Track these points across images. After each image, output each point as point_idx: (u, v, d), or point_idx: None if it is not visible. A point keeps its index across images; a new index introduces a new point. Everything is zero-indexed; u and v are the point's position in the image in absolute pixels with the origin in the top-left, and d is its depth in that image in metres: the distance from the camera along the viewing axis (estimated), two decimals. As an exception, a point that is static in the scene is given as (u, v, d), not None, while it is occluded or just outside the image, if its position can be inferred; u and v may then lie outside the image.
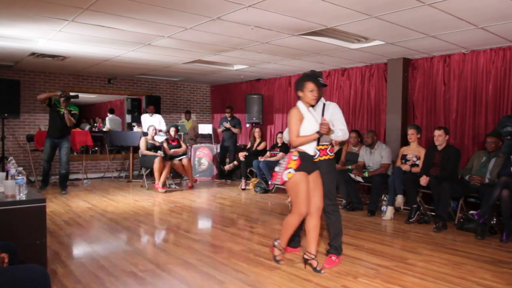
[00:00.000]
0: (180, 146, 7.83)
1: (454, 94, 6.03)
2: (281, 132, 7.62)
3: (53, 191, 7.01)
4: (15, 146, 8.16)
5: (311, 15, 4.30)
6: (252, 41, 5.57)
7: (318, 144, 3.31)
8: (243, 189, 7.57)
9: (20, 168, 3.00)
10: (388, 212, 5.25)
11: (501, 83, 5.54)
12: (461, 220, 4.72)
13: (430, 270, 3.33)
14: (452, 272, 3.29)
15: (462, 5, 3.89)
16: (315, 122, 3.18)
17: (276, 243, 3.43)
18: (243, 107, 9.30)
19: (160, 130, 8.50)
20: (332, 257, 3.42)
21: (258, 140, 8.05)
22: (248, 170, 7.90)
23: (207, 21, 4.55)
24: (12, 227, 2.68)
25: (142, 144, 7.56)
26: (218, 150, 8.94)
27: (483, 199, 4.45)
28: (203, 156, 9.11)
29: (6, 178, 3.03)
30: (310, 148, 3.22)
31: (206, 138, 9.56)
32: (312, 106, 3.27)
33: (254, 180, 7.73)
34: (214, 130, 9.71)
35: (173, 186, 7.73)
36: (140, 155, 7.73)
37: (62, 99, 6.41)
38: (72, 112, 6.62)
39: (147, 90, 9.89)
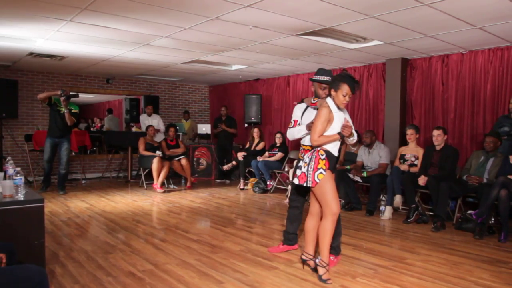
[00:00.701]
0: (178, 146, 7.83)
1: (452, 94, 6.05)
2: (280, 132, 7.63)
3: (51, 191, 6.99)
4: (13, 146, 8.14)
5: (310, 15, 4.31)
6: (251, 41, 5.57)
7: (341, 145, 3.22)
8: (242, 189, 7.57)
9: (18, 168, 2.99)
10: (387, 212, 5.26)
11: (499, 83, 5.56)
12: (459, 220, 4.73)
13: (429, 269, 3.34)
14: (450, 271, 3.29)
15: (460, 5, 3.89)
16: (340, 122, 3.04)
17: (317, 261, 3.05)
18: (242, 107, 9.30)
19: (159, 130, 8.50)
20: (331, 257, 3.41)
21: (256, 140, 8.05)
22: (246, 170, 7.90)
23: (205, 21, 4.55)
24: (10, 227, 2.67)
25: (141, 144, 7.55)
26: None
27: (481, 199, 4.46)
28: (201, 156, 9.10)
29: (4, 178, 3.02)
30: (335, 148, 3.06)
31: (204, 138, 9.55)
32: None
33: (252, 180, 7.73)
34: (213, 130, 9.71)
35: (172, 186, 7.72)
36: (138, 155, 7.72)
37: (62, 98, 6.40)
38: (73, 111, 6.61)
39: (145, 90, 9.88)
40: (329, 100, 3.04)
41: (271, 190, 7.37)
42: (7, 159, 3.31)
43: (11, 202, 2.75)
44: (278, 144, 7.58)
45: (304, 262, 3.28)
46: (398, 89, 6.48)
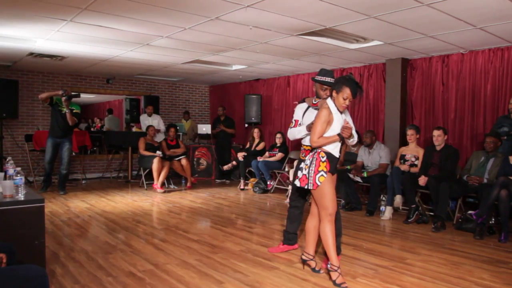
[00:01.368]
0: (178, 146, 7.83)
1: (452, 94, 6.04)
2: (280, 132, 7.63)
3: (51, 191, 6.99)
4: (14, 146, 8.14)
5: (310, 15, 4.30)
6: (251, 41, 5.57)
7: (342, 146, 3.19)
8: (242, 189, 7.57)
9: (19, 168, 2.99)
10: (387, 212, 5.26)
11: (499, 83, 5.56)
12: (460, 220, 4.73)
13: (429, 270, 3.34)
14: (450, 272, 3.29)
15: (461, 6, 3.89)
16: (340, 124, 3.03)
17: (329, 267, 3.02)
18: (242, 107, 9.30)
19: (159, 130, 8.50)
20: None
21: (257, 140, 8.05)
22: (247, 170, 7.90)
23: (205, 21, 4.55)
24: (10, 227, 2.67)
25: (141, 144, 7.55)
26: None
27: (482, 199, 4.46)
28: (201, 156, 9.10)
29: (5, 178, 3.02)
30: (336, 150, 3.04)
31: (204, 138, 9.55)
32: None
33: (253, 180, 7.73)
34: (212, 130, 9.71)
35: (172, 186, 7.72)
36: (138, 155, 7.72)
37: (63, 98, 6.39)
38: (74, 111, 6.62)
39: (145, 90, 9.88)
40: (329, 101, 3.03)
41: (271, 190, 7.37)
42: (7, 159, 3.31)
43: (11, 202, 2.75)
44: (278, 144, 7.58)
45: (304, 262, 3.29)
46: (398, 89, 6.48)
